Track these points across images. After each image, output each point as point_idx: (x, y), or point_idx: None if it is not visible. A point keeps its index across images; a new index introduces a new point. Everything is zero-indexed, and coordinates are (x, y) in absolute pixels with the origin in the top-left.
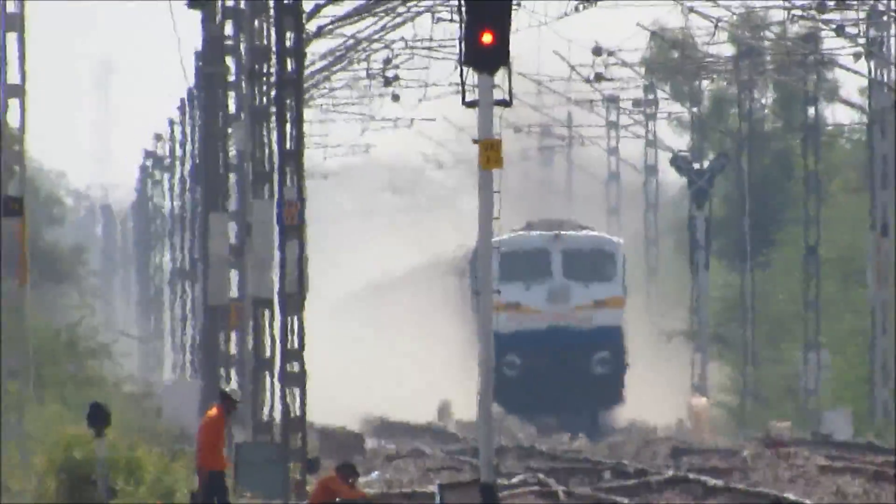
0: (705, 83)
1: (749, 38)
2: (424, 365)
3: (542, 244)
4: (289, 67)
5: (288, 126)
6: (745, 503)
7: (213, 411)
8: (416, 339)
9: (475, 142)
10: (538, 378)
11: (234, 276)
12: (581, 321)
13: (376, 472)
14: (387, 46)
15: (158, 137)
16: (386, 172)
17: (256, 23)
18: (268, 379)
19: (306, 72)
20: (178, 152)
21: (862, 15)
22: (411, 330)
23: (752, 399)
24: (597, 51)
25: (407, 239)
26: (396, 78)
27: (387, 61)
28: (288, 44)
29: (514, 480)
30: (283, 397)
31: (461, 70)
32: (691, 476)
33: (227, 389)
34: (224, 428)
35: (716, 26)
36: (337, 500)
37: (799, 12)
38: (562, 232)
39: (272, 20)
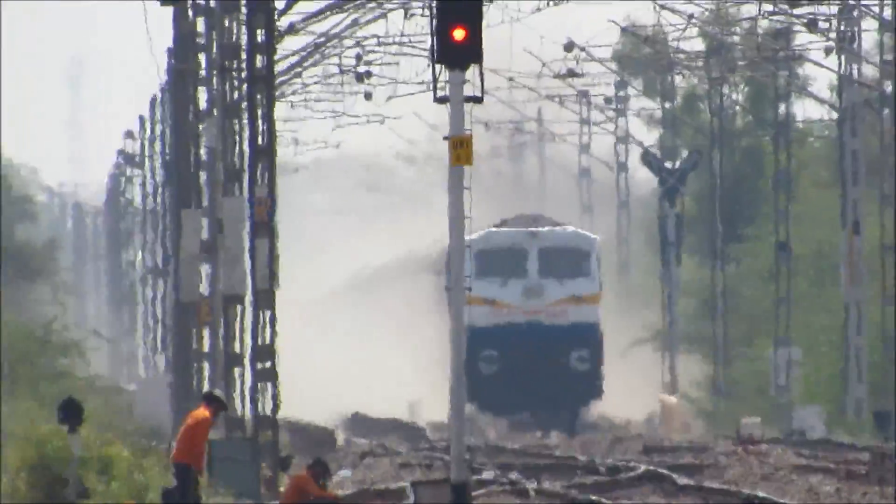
0: (677, 79)
1: (720, 34)
2: (399, 362)
3: (518, 241)
4: (259, 64)
5: (259, 122)
6: (718, 501)
7: (203, 411)
8: (391, 337)
9: (446, 139)
10: (516, 374)
11: (205, 272)
12: (558, 317)
13: (348, 470)
14: (358, 43)
15: (130, 134)
16: (358, 169)
17: (227, 20)
18: (239, 375)
19: (278, 68)
20: (150, 149)
21: (833, 10)
22: (386, 327)
23: (723, 396)
24: (568, 46)
25: (379, 236)
26: (368, 74)
27: (358, 58)
28: (259, 40)
29: (485, 476)
30: (254, 394)
31: (433, 66)
32: (663, 473)
33: (215, 392)
34: (209, 429)
35: (687, 22)
36: (311, 499)
37: (770, 7)
38: (538, 228)
39: (244, 17)
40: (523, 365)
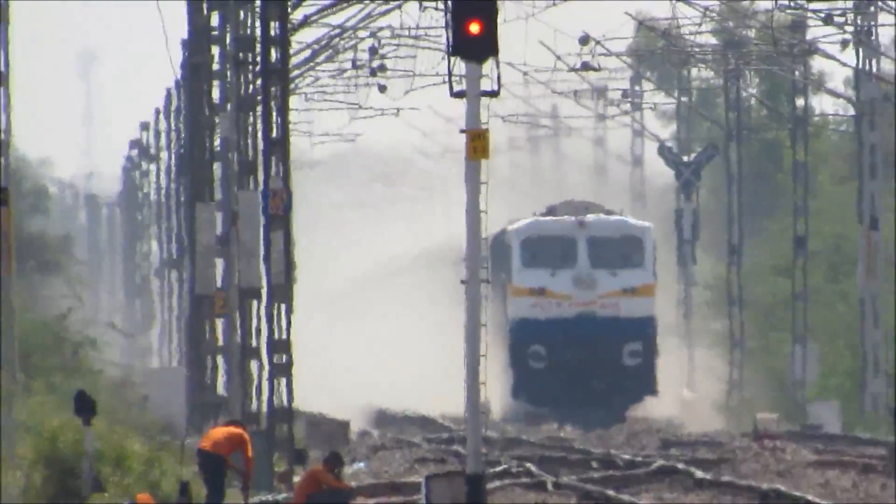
0: (693, 73)
1: (735, 27)
2: (427, 356)
3: (566, 230)
4: (274, 57)
5: (273, 115)
6: (734, 495)
7: (246, 436)
8: (415, 330)
9: (462, 132)
10: (565, 369)
11: (220, 265)
12: (610, 309)
13: (363, 462)
14: (373, 35)
15: (145, 127)
16: (374, 162)
17: (241, 12)
18: (255, 369)
19: (292, 61)
20: (164, 142)
21: (849, 4)
22: (409, 320)
23: (740, 391)
24: (583, 40)
25: (396, 229)
26: (383, 68)
27: (373, 50)
28: (273, 33)
29: (500, 469)
30: (271, 388)
31: (448, 60)
32: (680, 467)
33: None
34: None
35: (703, 16)
36: (323, 488)
37: (786, 1)
38: (586, 217)
39: (258, 10)
40: (573, 360)
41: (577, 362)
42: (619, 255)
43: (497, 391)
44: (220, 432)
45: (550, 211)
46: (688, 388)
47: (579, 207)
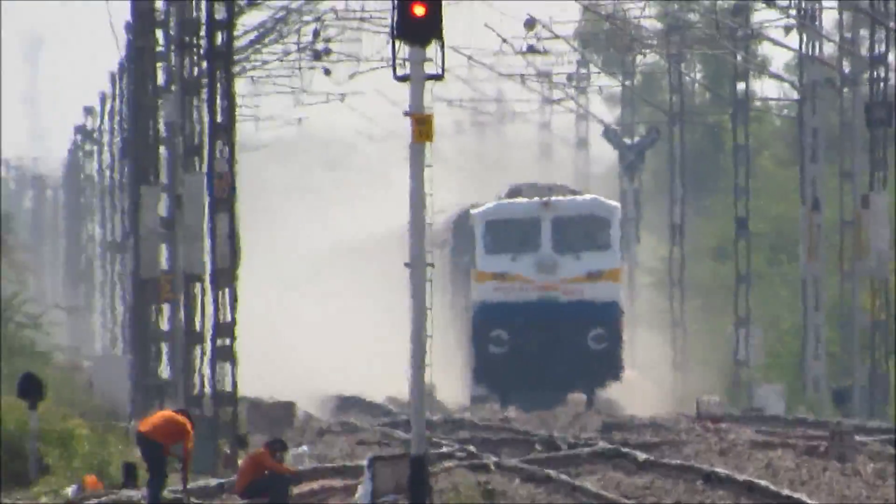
0: (637, 57)
1: (678, 11)
2: (374, 339)
3: (531, 212)
4: (219, 40)
5: (218, 99)
6: (676, 477)
7: (189, 426)
8: (363, 313)
9: (406, 114)
10: (528, 355)
11: (165, 249)
12: (574, 294)
13: (306, 446)
14: (317, 18)
15: (89, 110)
16: (319, 146)
17: None
18: (199, 353)
19: (237, 44)
20: (109, 125)
21: None
22: (357, 304)
23: (683, 373)
24: (529, 23)
25: (342, 212)
26: (328, 52)
27: (316, 34)
28: (218, 16)
29: (444, 450)
30: (213, 372)
31: (392, 43)
32: (623, 450)
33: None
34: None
35: (647, 0)
36: (265, 473)
37: None
38: (552, 198)
39: None
40: (536, 345)
41: (540, 347)
42: (584, 236)
43: (463, 377)
44: (160, 417)
45: (515, 192)
46: (630, 370)
47: (544, 189)
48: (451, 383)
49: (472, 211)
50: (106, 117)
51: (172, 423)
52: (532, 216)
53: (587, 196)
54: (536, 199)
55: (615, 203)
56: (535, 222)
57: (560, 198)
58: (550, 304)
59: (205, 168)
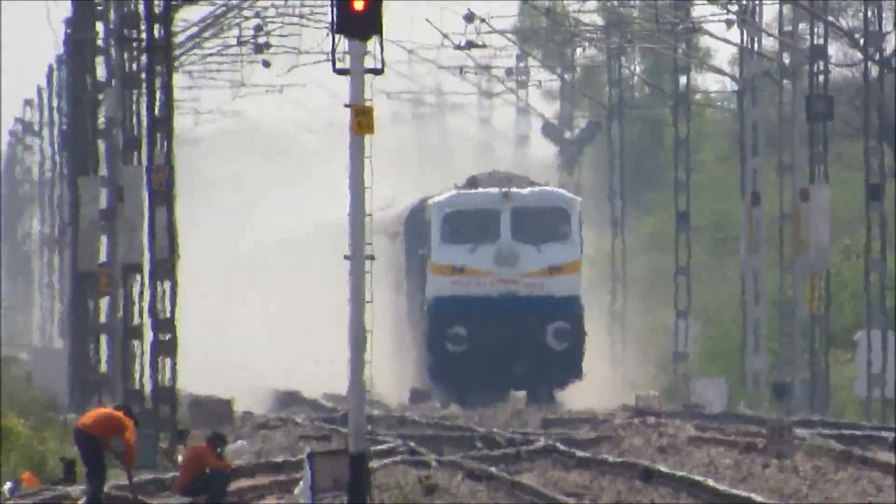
0: (577, 52)
1: (619, 5)
2: (314, 334)
3: (489, 202)
4: (158, 33)
5: (157, 92)
6: (615, 474)
7: (131, 428)
8: (304, 307)
9: (347, 106)
10: (486, 352)
11: (104, 242)
12: (534, 288)
13: (246, 441)
14: (258, 14)
15: (28, 103)
16: (258, 139)
17: None
18: (139, 347)
19: (177, 38)
20: (48, 118)
21: None
22: (297, 297)
23: (622, 367)
24: (469, 17)
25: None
26: (267, 46)
27: (258, 28)
28: (157, 10)
29: (385, 447)
30: (153, 366)
31: (332, 37)
32: (562, 448)
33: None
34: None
35: None
36: (206, 469)
37: None
38: (511, 189)
39: None
40: (495, 342)
41: (499, 344)
42: (544, 228)
43: (420, 375)
44: (97, 413)
45: (472, 183)
46: None
47: (503, 179)
48: (400, 380)
49: (429, 201)
50: (45, 110)
51: (110, 419)
52: (491, 207)
53: (547, 187)
54: (495, 189)
55: (575, 196)
56: (494, 213)
57: (519, 189)
58: (510, 298)
59: (144, 161)
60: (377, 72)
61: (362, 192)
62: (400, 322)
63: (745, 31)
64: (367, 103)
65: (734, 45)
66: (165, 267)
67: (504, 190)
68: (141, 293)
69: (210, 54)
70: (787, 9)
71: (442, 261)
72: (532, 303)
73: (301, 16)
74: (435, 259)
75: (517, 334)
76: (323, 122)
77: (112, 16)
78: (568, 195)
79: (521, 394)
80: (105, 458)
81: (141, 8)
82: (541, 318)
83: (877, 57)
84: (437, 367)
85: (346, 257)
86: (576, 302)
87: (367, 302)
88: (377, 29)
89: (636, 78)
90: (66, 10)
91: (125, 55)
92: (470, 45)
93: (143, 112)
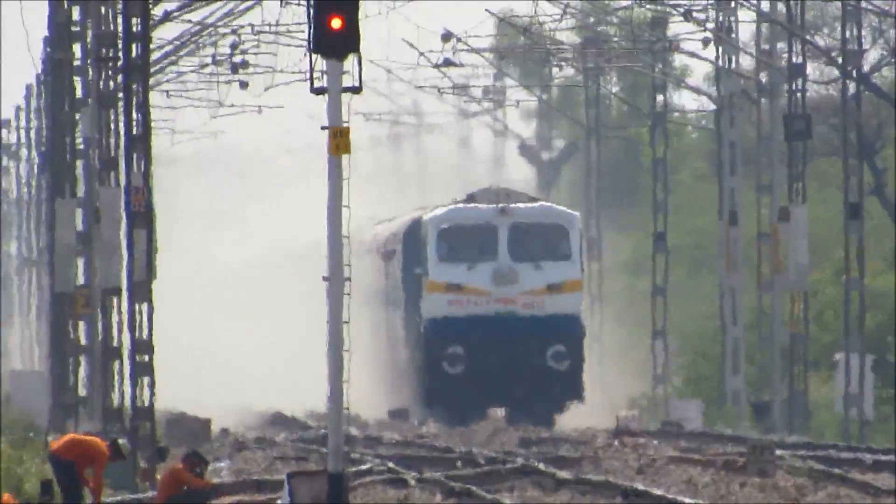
0: (554, 71)
1: (595, 24)
2: (294, 354)
3: (487, 219)
4: (135, 53)
5: (134, 112)
6: (595, 494)
7: (104, 450)
8: (283, 327)
9: (324, 128)
10: (484, 374)
11: (81, 263)
12: (533, 308)
13: (226, 461)
14: (234, 32)
15: (6, 124)
16: (236, 159)
17: (103, 8)
18: (118, 367)
19: (154, 57)
20: (26, 139)
21: (710, 1)
22: (276, 317)
23: (601, 387)
24: (445, 37)
25: (259, 225)
26: (245, 64)
27: (234, 47)
28: (135, 29)
29: (364, 468)
30: (133, 386)
31: (310, 56)
32: (542, 467)
33: (120, 441)
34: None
35: (563, 13)
36: (185, 488)
37: None
38: (509, 204)
39: (119, 6)
40: (493, 363)
41: (497, 366)
42: (543, 246)
43: (415, 397)
44: (74, 437)
45: (469, 199)
46: None
47: (500, 194)
48: (383, 398)
49: (424, 217)
50: (22, 131)
51: (85, 444)
52: (488, 223)
53: (546, 203)
54: (492, 204)
55: (575, 212)
56: (492, 229)
57: (518, 204)
58: (509, 317)
59: (122, 181)
60: (355, 90)
61: (340, 212)
62: (395, 343)
63: (721, 49)
64: (345, 123)
65: (711, 62)
66: (143, 288)
67: (501, 205)
68: (119, 314)
69: (185, 72)
70: (764, 26)
71: (438, 279)
72: (532, 322)
73: (278, 34)
74: (431, 277)
75: (516, 355)
76: (300, 143)
77: (89, 35)
78: (568, 211)
79: (500, 412)
80: (81, 484)
81: (119, 27)
82: (541, 338)
83: (854, 74)
84: (433, 389)
85: (324, 279)
86: (577, 321)
87: (345, 322)
88: (355, 48)
89: (613, 97)
90: (45, 29)
91: (102, 74)
92: (447, 63)
93: (122, 131)
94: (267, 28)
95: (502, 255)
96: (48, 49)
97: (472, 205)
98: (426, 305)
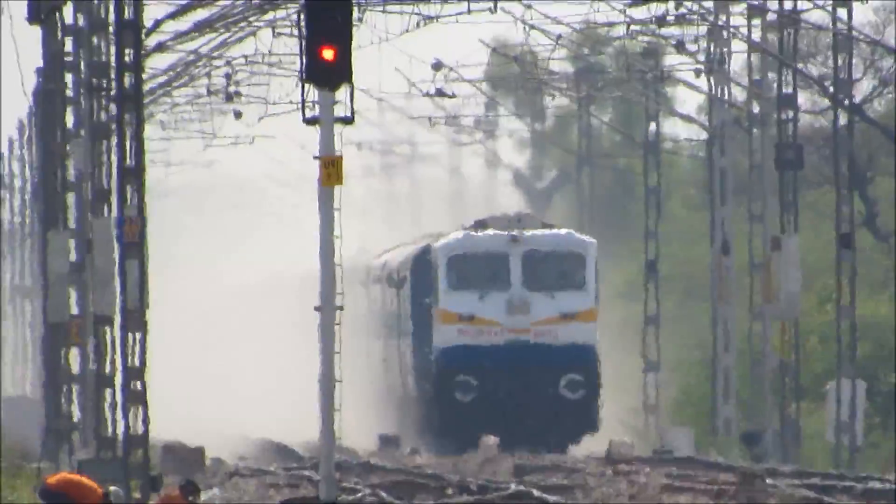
0: (547, 100)
1: (588, 54)
2: (286, 383)
3: (498, 246)
4: (128, 83)
5: (128, 142)
6: None
7: (98, 495)
8: (276, 357)
9: (316, 158)
10: (496, 404)
11: (74, 293)
12: (546, 337)
13: (218, 489)
14: (227, 62)
15: None
16: (229, 189)
17: (95, 39)
18: (111, 396)
19: (146, 87)
20: (19, 169)
21: (702, 31)
22: (268, 347)
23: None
24: (437, 66)
25: (253, 256)
26: (238, 94)
27: (227, 77)
28: (127, 59)
29: (355, 497)
30: (125, 415)
31: (302, 86)
32: (535, 493)
33: (112, 489)
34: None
35: (556, 43)
36: None
37: (638, 27)
38: (521, 232)
39: (112, 36)
40: (505, 393)
41: (509, 396)
42: (557, 274)
43: (422, 428)
44: (68, 474)
45: (480, 225)
46: None
47: (512, 220)
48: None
49: (434, 244)
50: (15, 162)
51: (80, 484)
52: (500, 251)
53: (561, 230)
54: (505, 231)
55: (592, 239)
56: (504, 257)
57: (531, 231)
58: (521, 347)
59: (114, 212)
60: (347, 121)
61: (332, 242)
62: (403, 371)
63: (712, 80)
64: (337, 152)
65: (703, 93)
66: (136, 317)
67: (513, 233)
68: (112, 343)
69: (179, 103)
70: (755, 56)
71: (448, 308)
72: (545, 352)
73: (271, 64)
74: (441, 306)
75: (529, 385)
76: (293, 174)
77: (82, 65)
78: (583, 238)
79: (493, 439)
80: None
81: (112, 57)
82: (554, 368)
83: (846, 103)
84: (444, 420)
85: (316, 309)
86: (591, 351)
87: (336, 352)
88: (347, 78)
89: (605, 127)
90: (37, 59)
91: (94, 105)
92: (439, 93)
93: (114, 162)
94: (259, 59)
95: (515, 285)
96: (41, 79)
97: (484, 232)
98: (436, 335)
